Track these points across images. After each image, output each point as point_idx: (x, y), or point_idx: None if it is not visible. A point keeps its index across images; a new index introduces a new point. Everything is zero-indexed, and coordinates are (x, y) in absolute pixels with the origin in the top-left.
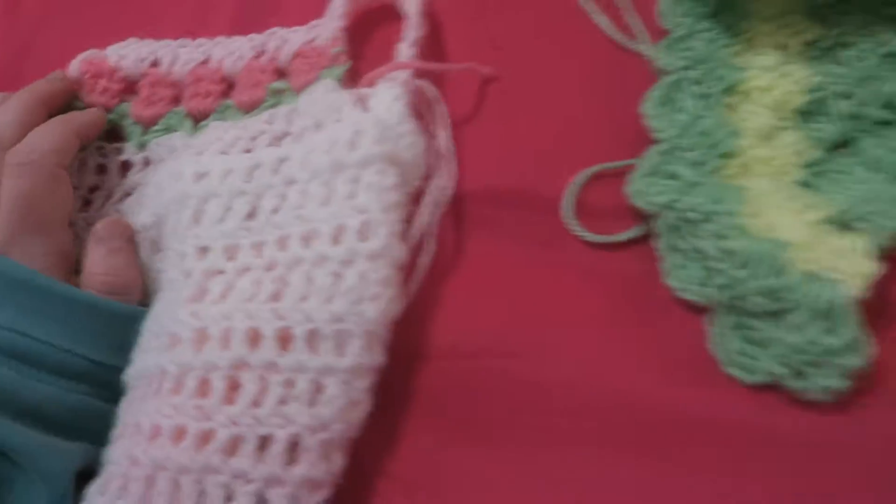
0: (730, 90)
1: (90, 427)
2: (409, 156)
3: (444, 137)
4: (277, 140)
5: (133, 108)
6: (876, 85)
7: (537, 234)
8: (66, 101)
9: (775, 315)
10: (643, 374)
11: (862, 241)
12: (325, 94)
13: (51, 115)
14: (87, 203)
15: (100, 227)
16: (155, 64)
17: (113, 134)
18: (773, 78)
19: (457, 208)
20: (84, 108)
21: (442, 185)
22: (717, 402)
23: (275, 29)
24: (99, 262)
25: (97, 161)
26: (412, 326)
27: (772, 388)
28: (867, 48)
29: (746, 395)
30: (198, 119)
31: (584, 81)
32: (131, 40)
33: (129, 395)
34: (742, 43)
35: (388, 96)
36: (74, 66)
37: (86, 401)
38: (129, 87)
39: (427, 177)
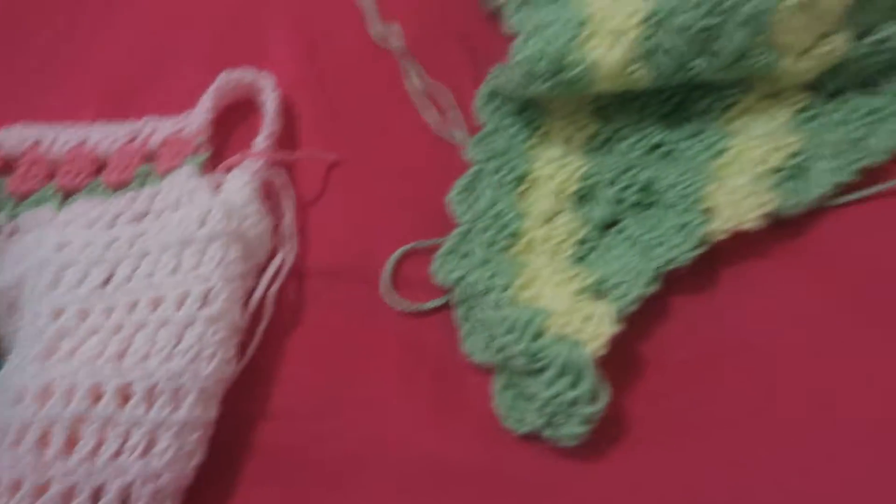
0: (521, 179)
1: None
2: (254, 234)
3: (288, 218)
4: (139, 218)
5: (9, 183)
6: (636, 172)
7: (362, 304)
8: None
9: (536, 373)
10: (439, 431)
11: (606, 308)
12: (185, 179)
13: None
14: None
15: None
16: (37, 144)
17: None
18: (555, 168)
19: (297, 281)
20: None
21: (281, 259)
22: (497, 455)
23: (149, 118)
24: None
25: None
26: (249, 388)
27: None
28: (636, 140)
29: (522, 446)
30: (67, 195)
31: (410, 169)
32: (19, 126)
33: None
34: (538, 137)
35: (239, 181)
36: None
37: None
38: (9, 166)
39: (274, 253)
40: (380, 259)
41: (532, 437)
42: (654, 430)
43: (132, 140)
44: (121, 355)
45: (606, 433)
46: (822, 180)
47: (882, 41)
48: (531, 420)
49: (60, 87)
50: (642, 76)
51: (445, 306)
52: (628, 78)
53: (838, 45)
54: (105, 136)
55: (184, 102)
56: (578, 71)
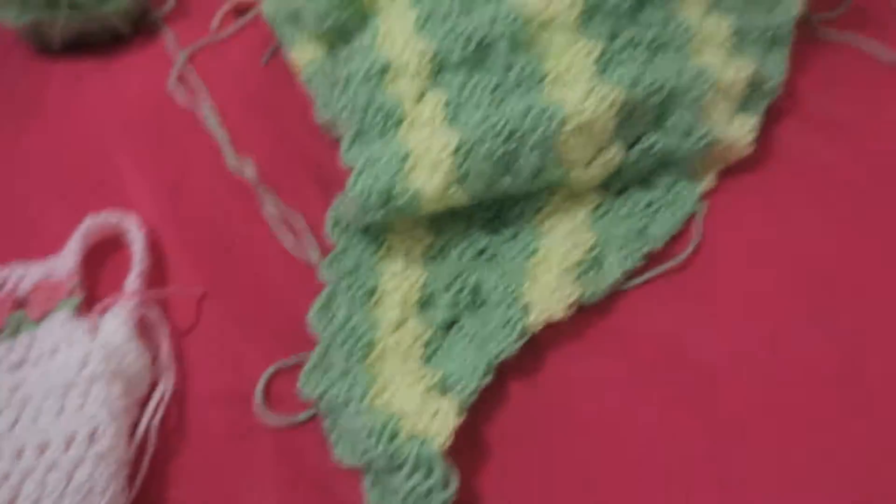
0: (371, 292)
1: None
2: (134, 370)
3: (164, 351)
4: (16, 366)
5: None
6: (466, 277)
7: (240, 424)
8: None
9: (396, 470)
10: None
11: (449, 403)
12: (61, 324)
13: None
14: None
15: None
16: None
17: None
18: (399, 280)
19: (177, 408)
20: None
21: (162, 391)
22: None
23: (14, 263)
24: None
25: None
26: None
27: None
28: (465, 247)
29: None
30: None
31: (273, 293)
32: None
33: None
34: (384, 251)
35: (115, 321)
36: None
37: None
38: None
39: (154, 383)
40: (252, 380)
41: None
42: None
43: (1, 287)
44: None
45: None
46: (613, 270)
47: (648, 147)
48: None
49: None
50: (460, 197)
51: (317, 415)
52: (449, 199)
53: (614, 154)
54: None
55: (45, 246)
56: (405, 199)
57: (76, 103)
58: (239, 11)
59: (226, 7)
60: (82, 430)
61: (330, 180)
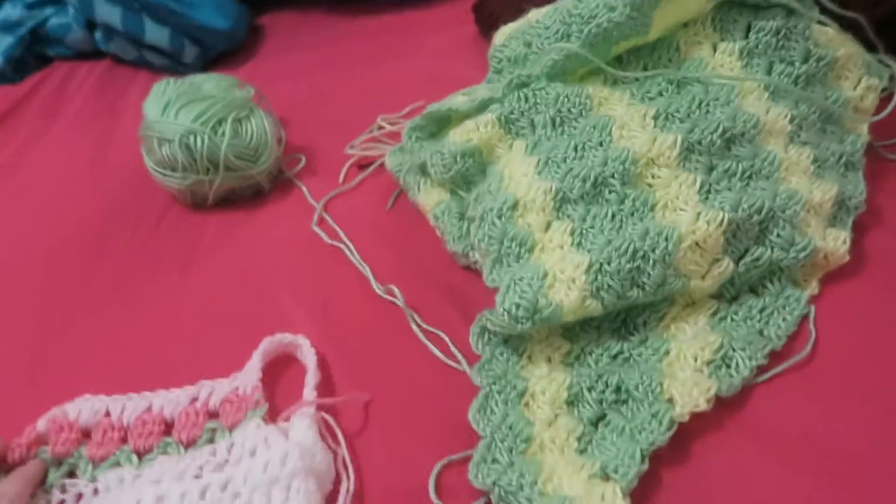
0: (522, 394)
1: None
2: (323, 468)
3: (342, 452)
4: (220, 467)
5: (87, 450)
6: (607, 378)
7: None
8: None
9: None
10: None
11: (614, 488)
12: (255, 430)
13: None
14: None
15: None
16: (107, 414)
17: (72, 473)
18: (546, 383)
19: (358, 501)
20: (49, 456)
21: (346, 486)
22: None
23: (203, 381)
24: None
25: (59, 497)
26: None
27: None
28: (600, 353)
29: None
30: (141, 454)
31: (433, 396)
32: (85, 396)
33: None
34: (525, 358)
35: (301, 427)
36: (42, 424)
37: None
38: (86, 434)
39: (337, 480)
40: (422, 475)
41: None
42: None
43: (193, 401)
44: None
45: None
46: (744, 366)
47: (756, 259)
48: None
49: (121, 353)
50: (595, 307)
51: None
52: (586, 310)
53: (725, 266)
54: (168, 401)
55: (221, 367)
56: (549, 311)
57: (231, 246)
58: (360, 166)
59: (350, 162)
60: None
61: (465, 302)
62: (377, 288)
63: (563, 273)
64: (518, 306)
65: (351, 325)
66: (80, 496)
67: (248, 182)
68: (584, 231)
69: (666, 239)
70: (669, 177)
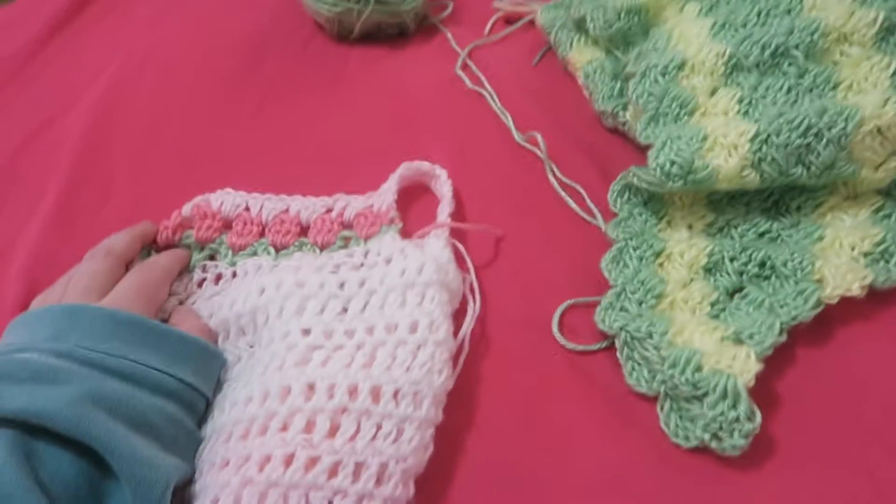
0: (658, 254)
1: (182, 441)
2: (455, 286)
3: (471, 277)
4: (356, 268)
5: (228, 238)
6: (752, 252)
7: (535, 344)
8: (151, 240)
9: (698, 398)
10: (616, 446)
11: (749, 351)
12: (390, 241)
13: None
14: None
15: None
16: (246, 209)
17: (213, 257)
18: (685, 247)
19: (480, 326)
20: (193, 241)
21: (473, 307)
22: (668, 464)
23: (339, 195)
24: (184, 320)
25: (201, 275)
26: (455, 404)
27: (703, 450)
28: (747, 228)
29: (688, 457)
30: (278, 249)
31: (562, 242)
32: (227, 190)
33: (225, 437)
34: (664, 223)
35: (438, 245)
36: (187, 208)
37: (178, 416)
38: (226, 224)
39: (462, 303)
40: (546, 310)
41: (695, 451)
42: (795, 448)
43: (328, 211)
44: (367, 365)
45: (757, 450)
46: None
47: None
48: (697, 436)
49: (261, 166)
50: (753, 180)
51: (604, 349)
52: (742, 181)
53: None
54: (304, 206)
55: (357, 188)
56: (704, 174)
57: (374, 78)
58: (508, 21)
59: (497, 15)
60: (423, 320)
61: (605, 162)
62: (517, 136)
63: (725, 138)
64: (673, 163)
65: (487, 168)
66: (219, 277)
67: (395, 19)
68: (753, 101)
69: (846, 119)
70: (860, 56)
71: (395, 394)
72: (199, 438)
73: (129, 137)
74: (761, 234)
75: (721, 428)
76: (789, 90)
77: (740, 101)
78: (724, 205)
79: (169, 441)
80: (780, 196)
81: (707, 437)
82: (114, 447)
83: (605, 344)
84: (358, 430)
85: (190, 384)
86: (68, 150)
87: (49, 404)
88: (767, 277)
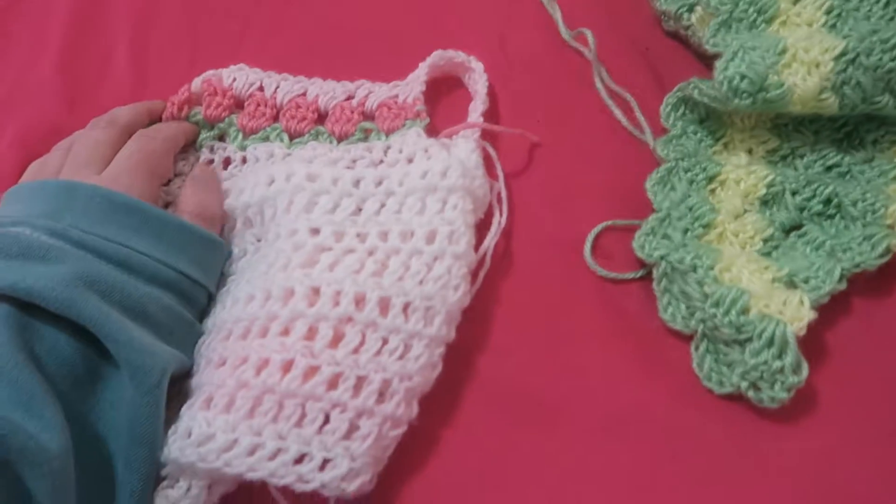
0: (711, 179)
1: (179, 332)
2: (481, 193)
3: (500, 186)
4: (374, 165)
5: (239, 119)
6: (818, 187)
7: (563, 266)
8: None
9: (739, 343)
10: (641, 383)
11: (802, 297)
12: (414, 138)
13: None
14: None
15: (198, 170)
16: (260, 88)
17: (221, 138)
18: (743, 173)
19: (504, 241)
20: (201, 118)
21: (498, 219)
22: (696, 409)
23: (362, 81)
24: (191, 197)
25: (208, 156)
26: (470, 325)
27: (736, 397)
28: (814, 159)
29: (719, 404)
30: (292, 136)
31: (604, 157)
32: (241, 66)
33: (224, 334)
34: (720, 145)
35: (466, 147)
36: (197, 83)
37: (176, 307)
38: (238, 104)
39: (488, 213)
40: (579, 230)
41: (727, 398)
42: (839, 407)
43: (349, 98)
44: (378, 274)
45: (798, 403)
46: None
47: None
48: (733, 383)
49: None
50: (831, 104)
51: (638, 279)
52: (818, 104)
53: None
54: (324, 91)
55: (383, 77)
56: (777, 93)
57: None
58: None
59: None
60: (443, 230)
61: (661, 70)
62: (564, 32)
63: (806, 53)
64: (743, 77)
65: (527, 66)
66: (227, 161)
67: None
68: (844, 13)
69: None
70: None
71: (406, 307)
72: (199, 331)
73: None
74: (829, 168)
75: (762, 377)
76: (888, 4)
77: (829, 11)
78: (790, 130)
79: (165, 331)
80: (854, 126)
81: (744, 385)
82: (108, 330)
83: (640, 273)
84: (362, 343)
85: (189, 276)
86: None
87: (40, 282)
88: (831, 216)
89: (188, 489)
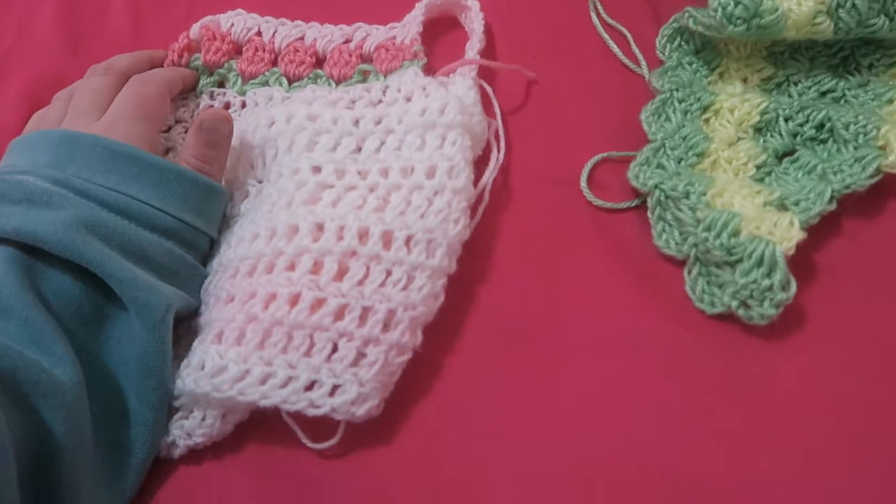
0: (705, 108)
1: (182, 274)
2: (479, 130)
3: (497, 123)
4: (373, 104)
5: (238, 65)
6: (811, 113)
7: (560, 199)
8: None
9: (730, 264)
10: (635, 307)
11: (791, 217)
12: (412, 77)
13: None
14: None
15: (206, 116)
16: (258, 34)
17: (221, 84)
18: (736, 101)
19: (502, 176)
20: (200, 63)
21: (496, 156)
22: (687, 329)
23: (359, 24)
24: (194, 145)
25: (208, 102)
26: (471, 257)
27: (727, 317)
28: (808, 85)
29: (710, 324)
30: (291, 80)
31: (600, 91)
32: (239, 10)
33: (231, 273)
34: (716, 75)
35: (464, 85)
36: (195, 29)
37: (177, 251)
38: (236, 49)
39: (486, 150)
40: (575, 164)
41: (719, 318)
42: (826, 325)
43: (347, 42)
44: (380, 209)
45: (786, 322)
46: None
47: None
48: (724, 302)
49: None
50: (826, 28)
51: (633, 208)
52: (813, 28)
53: None
54: (321, 35)
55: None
56: (771, 18)
57: None
58: None
59: None
60: (442, 165)
61: (656, 2)
62: None
63: None
64: (737, 3)
65: (523, 2)
66: (227, 105)
67: None
68: None
69: None
70: None
71: (408, 240)
72: (203, 274)
73: None
74: (823, 94)
75: (752, 296)
76: None
77: None
78: (785, 58)
79: (168, 273)
80: (850, 52)
81: (735, 304)
82: (111, 270)
83: (635, 202)
84: (367, 275)
85: (188, 223)
86: None
87: (42, 226)
88: (824, 141)
89: (203, 418)
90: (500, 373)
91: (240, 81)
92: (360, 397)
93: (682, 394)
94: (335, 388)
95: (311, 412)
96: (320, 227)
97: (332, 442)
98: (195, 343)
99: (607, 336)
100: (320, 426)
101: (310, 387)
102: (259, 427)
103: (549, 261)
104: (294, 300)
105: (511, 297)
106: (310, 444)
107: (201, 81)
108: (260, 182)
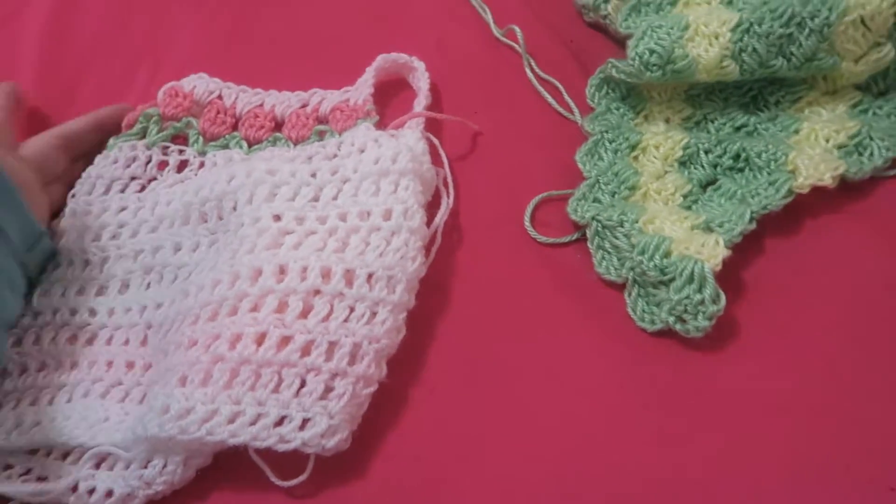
0: (633, 147)
1: None
2: (429, 177)
3: (444, 171)
4: (329, 158)
5: (200, 124)
6: (728, 145)
7: (508, 237)
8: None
9: (665, 283)
10: (581, 331)
11: (717, 237)
12: (365, 131)
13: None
14: (142, 189)
15: None
16: (220, 97)
17: (175, 139)
18: (661, 139)
19: (452, 219)
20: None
21: (447, 200)
22: (631, 346)
23: (315, 89)
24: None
25: (159, 158)
26: (429, 290)
27: (667, 333)
28: (724, 122)
29: (651, 341)
30: (251, 144)
31: (538, 137)
32: (201, 74)
33: (192, 320)
34: (641, 117)
35: (413, 136)
36: (160, 95)
37: None
38: (197, 108)
39: (436, 196)
40: (519, 204)
41: (659, 335)
42: (757, 333)
43: (304, 106)
44: (340, 250)
45: (721, 334)
46: (878, 155)
47: None
48: (662, 319)
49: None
50: (732, 71)
51: (574, 241)
52: (722, 71)
53: (885, 53)
54: (280, 101)
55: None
56: (683, 64)
57: None
58: None
59: None
60: (397, 208)
61: (584, 57)
62: (496, 30)
63: (706, 27)
64: (652, 52)
65: (464, 63)
66: (183, 164)
67: None
68: None
69: (830, 8)
70: None
71: (369, 277)
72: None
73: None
74: (738, 128)
75: (686, 311)
76: None
77: None
78: (702, 99)
79: None
80: (758, 91)
81: (671, 319)
82: None
83: (575, 236)
84: (331, 312)
85: None
86: (30, 39)
87: None
88: (741, 170)
89: (164, 465)
90: (463, 401)
91: (201, 141)
92: (329, 429)
93: (632, 406)
94: (305, 421)
95: (282, 447)
96: (283, 269)
97: (303, 478)
98: (156, 389)
99: (559, 361)
100: (289, 464)
101: (279, 422)
102: (223, 471)
103: (500, 294)
104: (260, 339)
105: (468, 330)
106: (279, 483)
107: (152, 135)
108: (213, 234)
